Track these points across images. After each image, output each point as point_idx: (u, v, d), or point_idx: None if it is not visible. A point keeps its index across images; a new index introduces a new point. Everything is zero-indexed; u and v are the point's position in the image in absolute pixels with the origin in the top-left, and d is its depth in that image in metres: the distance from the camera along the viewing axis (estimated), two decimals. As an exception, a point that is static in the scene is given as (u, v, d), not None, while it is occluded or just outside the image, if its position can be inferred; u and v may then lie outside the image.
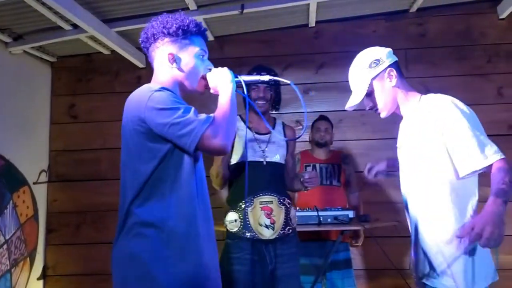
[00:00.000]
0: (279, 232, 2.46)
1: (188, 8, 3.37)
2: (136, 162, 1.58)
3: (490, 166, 1.68)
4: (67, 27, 3.49)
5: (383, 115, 1.97)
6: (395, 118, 2.03)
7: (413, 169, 1.88)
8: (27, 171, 3.91)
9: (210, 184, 2.22)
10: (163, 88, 1.59)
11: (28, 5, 3.04)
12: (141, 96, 1.57)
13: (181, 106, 1.54)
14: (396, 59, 1.94)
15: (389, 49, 1.96)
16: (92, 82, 4.28)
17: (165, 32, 1.68)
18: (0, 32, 3.53)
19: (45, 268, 4.09)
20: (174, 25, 1.68)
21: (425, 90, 3.79)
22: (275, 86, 2.65)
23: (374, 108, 1.97)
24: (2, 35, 3.57)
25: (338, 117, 3.88)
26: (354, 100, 1.95)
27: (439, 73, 3.92)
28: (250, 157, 2.49)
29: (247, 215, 2.44)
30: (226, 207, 2.56)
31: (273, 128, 2.67)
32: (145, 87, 1.62)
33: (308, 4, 3.60)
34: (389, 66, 1.90)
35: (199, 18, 3.38)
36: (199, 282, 1.59)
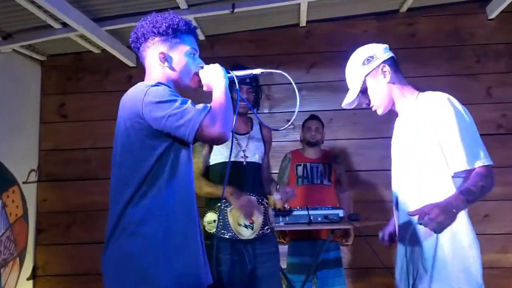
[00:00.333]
0: (258, 232, 2.47)
1: (178, 7, 3.37)
2: (134, 161, 1.56)
3: (472, 170, 1.69)
4: (57, 25, 3.47)
5: (379, 112, 1.95)
6: (386, 117, 2.03)
7: (406, 166, 1.87)
8: (17, 171, 3.88)
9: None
10: (159, 83, 1.59)
11: (17, 3, 3.02)
12: (137, 93, 1.57)
13: (178, 98, 1.54)
14: (392, 55, 1.93)
15: (385, 45, 1.95)
16: (82, 81, 4.25)
17: (155, 31, 1.68)
18: (-11, 31, 3.50)
19: (35, 268, 4.06)
20: (164, 24, 1.68)
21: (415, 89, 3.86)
22: (256, 87, 2.65)
23: (370, 105, 1.96)
24: (-9, 34, 3.54)
25: (329, 116, 3.89)
26: (349, 97, 1.95)
27: (428, 72, 3.95)
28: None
29: (226, 216, 2.44)
30: (205, 208, 2.54)
31: (251, 128, 2.66)
32: (140, 84, 1.62)
33: (299, 4, 3.61)
34: (383, 62, 1.88)
35: (190, 17, 3.38)
36: (198, 281, 1.58)
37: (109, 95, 4.13)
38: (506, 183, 3.80)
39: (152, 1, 3.29)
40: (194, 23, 1.91)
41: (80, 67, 4.26)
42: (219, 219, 2.44)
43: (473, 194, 1.63)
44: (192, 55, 1.74)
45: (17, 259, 3.84)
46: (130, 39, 1.75)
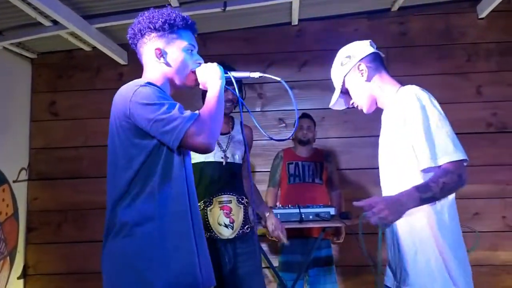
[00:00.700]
0: (238, 231, 2.47)
1: (170, 5, 3.35)
2: (122, 159, 1.55)
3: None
4: (47, 23, 3.44)
5: (364, 110, 1.94)
6: (377, 115, 2.02)
7: (387, 162, 1.86)
8: (7, 169, 3.85)
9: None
10: (149, 83, 1.56)
11: (7, 0, 2.99)
12: (126, 92, 1.55)
13: (165, 102, 1.51)
14: (371, 51, 1.89)
15: (364, 42, 1.92)
16: (73, 79, 4.22)
17: (152, 27, 1.66)
18: (-22, 28, 3.47)
19: (25, 267, 4.04)
20: (160, 19, 1.65)
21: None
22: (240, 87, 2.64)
23: (355, 105, 1.95)
24: (-19, 31, 3.51)
25: (320, 115, 3.90)
26: (332, 99, 1.95)
27: (419, 71, 3.96)
28: (210, 157, 2.47)
29: (207, 215, 2.44)
30: None
31: (232, 128, 2.65)
32: (131, 83, 1.59)
33: (291, 2, 3.61)
34: (360, 61, 1.86)
35: (182, 15, 3.37)
36: (194, 282, 1.57)
37: (100, 93, 4.11)
38: (496, 181, 3.84)
39: (143, -1, 3.28)
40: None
41: (71, 65, 4.23)
42: None
43: (430, 191, 1.57)
44: (190, 51, 1.71)
45: (8, 258, 3.82)
46: (128, 35, 1.72)
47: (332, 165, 3.58)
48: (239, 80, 2.54)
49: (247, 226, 2.51)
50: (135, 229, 1.51)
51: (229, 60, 3.43)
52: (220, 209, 2.45)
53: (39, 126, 4.20)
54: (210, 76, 1.68)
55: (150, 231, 1.51)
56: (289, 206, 3.07)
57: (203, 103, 2.41)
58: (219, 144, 2.53)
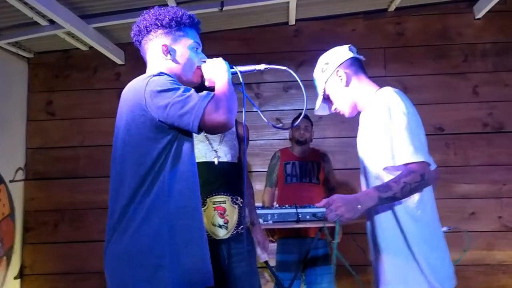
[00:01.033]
0: (233, 232, 2.46)
1: (167, 5, 3.35)
2: (135, 154, 1.53)
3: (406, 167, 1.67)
4: (44, 23, 3.44)
5: (346, 115, 1.98)
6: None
7: (364, 162, 1.89)
8: (3, 169, 3.84)
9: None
10: (161, 73, 1.56)
11: (3, 0, 2.98)
12: (139, 84, 1.54)
13: (180, 86, 1.51)
14: (350, 56, 1.92)
15: (343, 48, 1.96)
16: (69, 78, 4.22)
17: (158, 24, 1.65)
18: (-26, 28, 3.46)
19: (22, 267, 4.03)
20: (167, 16, 1.66)
21: (402, 88, 3.89)
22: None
23: (338, 109, 1.99)
24: (-23, 31, 3.51)
25: (317, 115, 3.90)
26: (316, 105, 2.00)
27: (416, 71, 3.98)
28: (202, 158, 2.47)
29: None
30: None
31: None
32: (141, 77, 1.58)
33: (288, 2, 3.61)
34: (338, 67, 1.91)
35: (179, 15, 3.37)
36: (206, 275, 1.58)
37: (97, 93, 4.11)
38: (492, 181, 3.85)
39: (141, -1, 3.28)
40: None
41: (68, 65, 4.23)
42: None
43: (390, 190, 1.61)
44: (195, 49, 1.72)
45: (4, 258, 3.81)
46: (132, 33, 1.72)
47: (329, 165, 3.58)
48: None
49: (241, 227, 2.50)
50: (144, 225, 1.50)
51: (226, 60, 3.44)
52: (214, 210, 2.44)
53: (35, 126, 4.19)
54: (217, 71, 1.67)
55: (159, 227, 1.50)
56: (286, 206, 3.07)
57: None
58: (210, 144, 2.52)
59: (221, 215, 2.45)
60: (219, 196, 2.47)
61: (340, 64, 1.91)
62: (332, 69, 1.92)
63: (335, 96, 1.95)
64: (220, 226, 2.45)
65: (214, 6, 3.46)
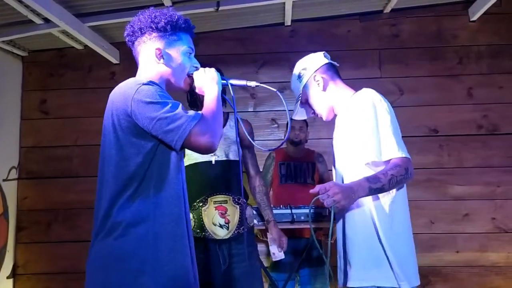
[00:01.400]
0: (234, 232, 2.44)
1: (163, 4, 3.34)
2: (117, 157, 1.52)
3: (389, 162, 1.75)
4: (38, 21, 3.41)
5: (324, 118, 2.04)
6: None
7: (340, 164, 1.92)
8: (-4, 168, 3.82)
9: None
10: (151, 82, 1.55)
11: (-2, -2, 2.97)
12: (127, 89, 1.53)
13: (169, 101, 1.50)
14: (326, 61, 1.99)
15: (319, 54, 2.02)
16: (64, 77, 4.20)
17: (153, 26, 1.64)
18: (-32, 25, 3.44)
19: (15, 267, 4.00)
20: (163, 20, 1.65)
21: (397, 89, 3.90)
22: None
23: (316, 114, 2.05)
24: (-29, 28, 3.48)
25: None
26: (294, 110, 2.06)
27: (411, 73, 3.99)
28: (199, 158, 2.46)
29: (201, 215, 2.43)
30: None
31: (225, 123, 2.60)
32: (131, 80, 1.57)
33: (284, 3, 3.61)
34: (315, 72, 1.97)
35: (174, 15, 3.36)
36: (188, 283, 1.57)
37: (91, 92, 4.09)
38: (486, 183, 3.87)
39: (136, -2, 3.26)
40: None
41: (62, 63, 4.20)
42: (194, 218, 2.43)
43: (379, 182, 1.68)
44: (189, 54, 1.71)
45: (-3, 257, 3.79)
46: (126, 32, 1.70)
47: (323, 165, 3.58)
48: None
49: (243, 227, 2.49)
50: (129, 229, 1.49)
51: (222, 60, 3.45)
52: (215, 209, 2.43)
53: (29, 124, 4.16)
54: (208, 81, 1.67)
55: (144, 232, 1.50)
56: (281, 206, 3.07)
57: (189, 105, 2.39)
58: None
59: (222, 215, 2.44)
60: (220, 196, 2.46)
61: (317, 69, 1.98)
62: (309, 74, 1.98)
63: (313, 100, 2.01)
64: (221, 226, 2.44)
65: (210, 6, 3.45)
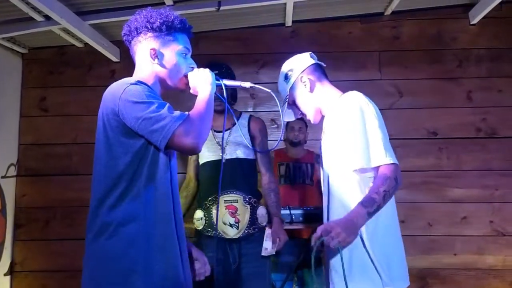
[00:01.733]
0: (244, 231, 2.44)
1: (164, 3, 3.35)
2: (107, 156, 1.54)
3: (377, 169, 1.73)
4: (39, 18, 3.41)
5: (311, 120, 2.02)
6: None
7: (328, 166, 1.92)
8: (-5, 165, 3.82)
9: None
10: (139, 82, 1.56)
11: (-2, -6, 2.97)
12: (116, 89, 1.55)
13: (155, 101, 1.51)
14: (312, 62, 1.97)
15: (305, 55, 2.01)
16: (64, 75, 4.19)
17: (149, 26, 1.66)
18: (-31, 22, 3.43)
19: (12, 264, 4.00)
20: (159, 20, 1.66)
21: (397, 92, 3.91)
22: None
23: (303, 115, 2.03)
24: (-29, 25, 3.47)
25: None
26: (282, 112, 2.01)
27: (411, 75, 3.99)
28: (211, 157, 2.46)
29: (212, 214, 2.43)
30: (195, 205, 2.55)
31: (232, 124, 2.60)
32: (122, 80, 1.59)
33: (285, 4, 3.61)
34: (301, 73, 1.95)
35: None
36: (178, 283, 1.57)
37: (91, 90, 4.08)
38: (484, 186, 3.87)
39: (137, -4, 3.27)
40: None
41: (62, 61, 4.20)
42: (204, 217, 2.43)
43: (375, 203, 1.66)
44: (184, 54, 1.72)
45: (-6, 254, 3.79)
46: (123, 32, 1.72)
47: (322, 166, 3.59)
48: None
49: (253, 227, 2.48)
50: (120, 229, 1.51)
51: (222, 60, 3.44)
52: (226, 208, 2.43)
53: (28, 122, 4.16)
54: (201, 82, 1.68)
55: (134, 232, 1.51)
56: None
57: None
58: (217, 143, 2.51)
59: (232, 214, 2.44)
60: (231, 195, 2.46)
61: (304, 70, 1.96)
62: (296, 75, 1.96)
63: (301, 102, 1.99)
64: (231, 225, 2.43)
65: (211, 5, 3.45)
